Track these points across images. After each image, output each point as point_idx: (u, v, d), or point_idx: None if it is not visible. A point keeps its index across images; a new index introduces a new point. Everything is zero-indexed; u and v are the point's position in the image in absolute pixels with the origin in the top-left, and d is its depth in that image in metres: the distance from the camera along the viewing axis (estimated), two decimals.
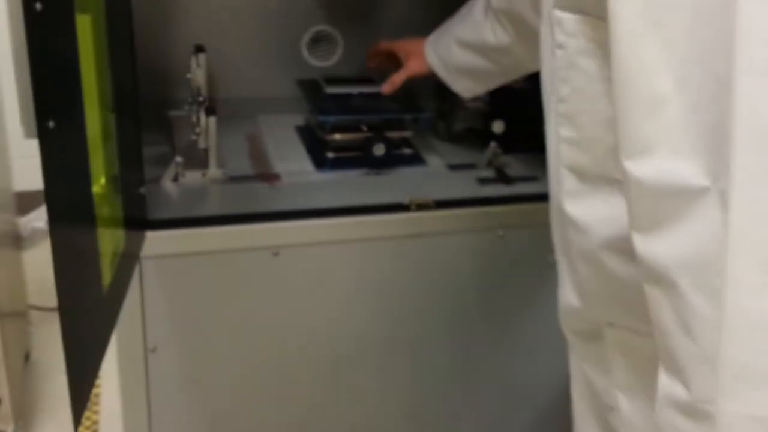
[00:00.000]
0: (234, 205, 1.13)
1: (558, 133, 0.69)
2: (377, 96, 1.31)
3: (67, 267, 0.69)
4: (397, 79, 1.26)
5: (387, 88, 1.27)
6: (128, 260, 0.96)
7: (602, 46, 0.61)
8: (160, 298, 1.11)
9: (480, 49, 1.14)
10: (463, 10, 1.18)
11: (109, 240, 0.88)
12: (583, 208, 0.69)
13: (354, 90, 1.32)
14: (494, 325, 1.29)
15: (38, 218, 2.33)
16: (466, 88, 1.22)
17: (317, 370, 1.23)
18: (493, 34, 1.10)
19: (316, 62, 1.45)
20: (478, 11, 1.13)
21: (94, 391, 1.80)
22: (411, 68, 1.25)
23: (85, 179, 0.76)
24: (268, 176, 1.20)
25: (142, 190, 1.01)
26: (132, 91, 0.96)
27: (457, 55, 1.18)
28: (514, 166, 1.32)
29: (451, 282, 1.23)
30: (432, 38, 1.23)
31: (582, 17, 0.62)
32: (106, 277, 0.82)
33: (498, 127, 1.31)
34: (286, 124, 1.38)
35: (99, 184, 0.86)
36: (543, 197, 1.27)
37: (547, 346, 1.32)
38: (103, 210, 0.85)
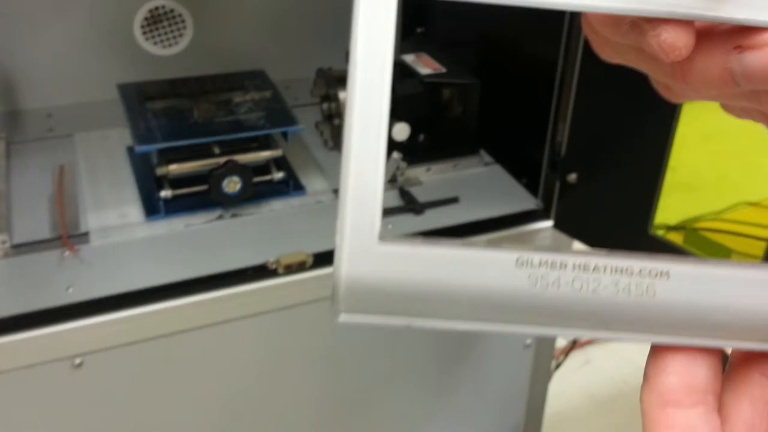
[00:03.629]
0: (12, 296, 0.77)
1: None
2: (232, 103, 0.94)
3: None
4: None
5: None
6: None
7: None
8: None
9: None
10: None
11: None
12: None
13: (199, 95, 0.95)
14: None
15: None
16: None
17: None
18: None
19: (156, 50, 1.07)
20: None
21: None
22: None
23: None
24: (70, 239, 0.84)
25: None
26: None
27: None
28: (426, 183, 0.97)
29: (338, 368, 0.90)
30: None
31: None
32: None
33: (401, 132, 0.96)
34: (114, 144, 1.01)
35: None
36: (465, 229, 0.89)
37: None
38: None
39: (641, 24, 0.24)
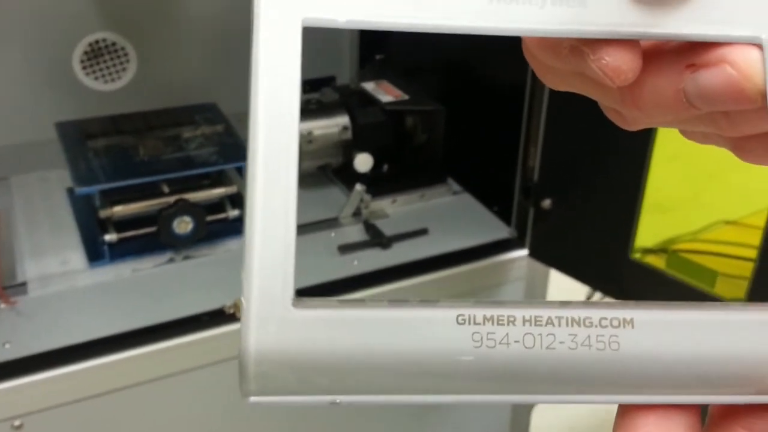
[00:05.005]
0: None
1: None
2: (181, 138, 0.88)
3: None
4: None
5: None
6: None
7: None
8: None
9: None
10: None
11: None
12: None
13: (144, 132, 0.89)
14: None
15: None
16: None
17: None
18: None
19: (97, 85, 1.01)
20: None
21: None
22: None
23: None
24: (6, 290, 0.76)
25: None
26: None
27: None
28: (393, 215, 0.92)
29: (308, 417, 0.83)
30: None
31: None
32: None
33: (363, 163, 0.91)
34: (53, 187, 0.93)
35: None
36: (436, 262, 0.83)
37: None
38: None
39: (580, 47, 0.20)
